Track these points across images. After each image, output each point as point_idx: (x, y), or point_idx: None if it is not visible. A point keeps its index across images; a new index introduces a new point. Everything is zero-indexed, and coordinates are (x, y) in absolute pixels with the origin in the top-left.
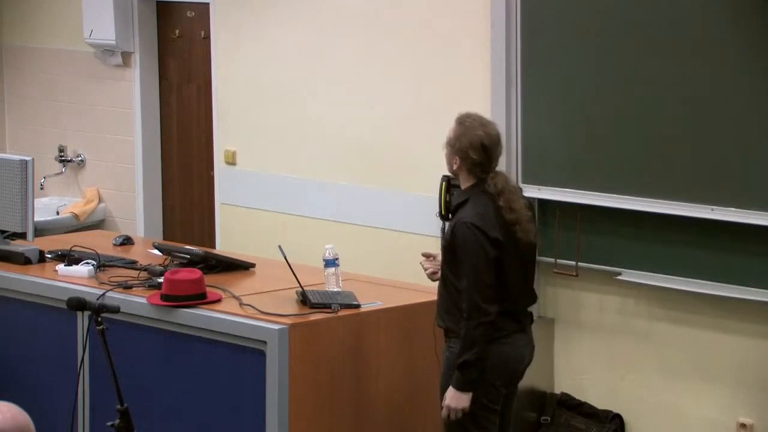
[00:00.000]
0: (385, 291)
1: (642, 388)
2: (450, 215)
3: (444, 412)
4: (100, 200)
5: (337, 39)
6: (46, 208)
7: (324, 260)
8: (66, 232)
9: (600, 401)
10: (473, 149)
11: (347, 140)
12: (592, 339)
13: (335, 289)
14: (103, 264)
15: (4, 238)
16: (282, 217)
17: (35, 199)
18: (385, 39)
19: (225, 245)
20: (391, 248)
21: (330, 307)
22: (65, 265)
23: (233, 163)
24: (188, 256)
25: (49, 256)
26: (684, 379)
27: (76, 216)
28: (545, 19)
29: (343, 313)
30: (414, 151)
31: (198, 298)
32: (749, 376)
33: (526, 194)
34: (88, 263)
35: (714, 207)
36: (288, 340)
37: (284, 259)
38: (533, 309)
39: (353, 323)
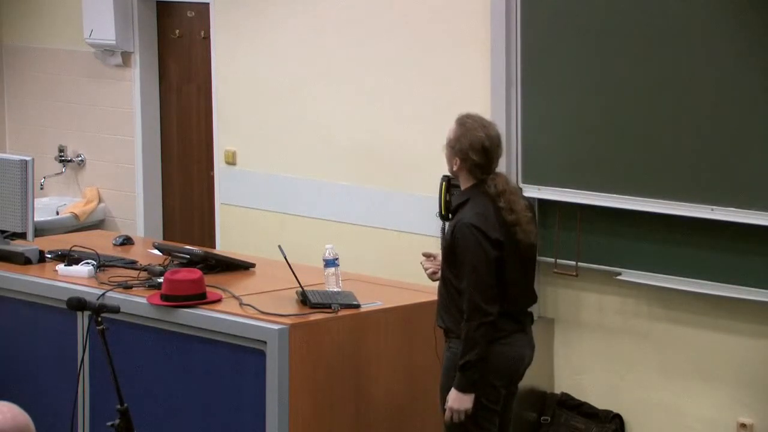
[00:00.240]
0: (385, 291)
1: (642, 388)
2: (450, 215)
3: (447, 414)
4: (100, 200)
5: (337, 39)
6: (46, 208)
7: (324, 260)
8: (66, 232)
9: (600, 401)
10: (473, 150)
11: (347, 140)
12: (592, 339)
13: (335, 289)
14: (103, 264)
15: (4, 238)
16: (282, 217)
17: (35, 199)
18: (385, 39)
19: (225, 245)
20: (391, 248)
21: (330, 307)
22: (65, 265)
23: (233, 163)
24: (188, 256)
25: (49, 256)
26: (684, 379)
27: (76, 216)
28: (545, 19)
29: (343, 313)
30: (414, 151)
31: (198, 298)
32: (749, 376)
33: (526, 194)
34: (88, 263)
35: (714, 207)
36: (288, 340)
37: (284, 259)
38: (533, 309)
39: (353, 323)
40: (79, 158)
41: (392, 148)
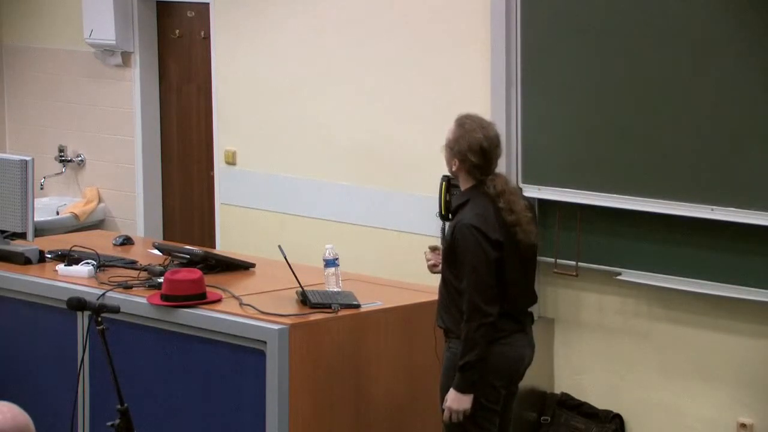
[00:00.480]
0: (385, 291)
1: (642, 388)
2: (450, 216)
3: (446, 414)
4: (100, 200)
5: (337, 39)
6: (46, 208)
7: (324, 260)
8: (66, 232)
9: (600, 401)
10: (472, 152)
11: (347, 140)
12: (592, 339)
13: (335, 289)
14: (103, 264)
15: (4, 238)
16: (282, 217)
17: (35, 199)
18: (385, 39)
19: (225, 245)
20: (391, 248)
21: (330, 307)
22: (65, 265)
23: (233, 163)
24: (188, 256)
25: (49, 256)
26: (684, 379)
27: (76, 216)
28: (545, 19)
29: (343, 313)
30: (414, 151)
31: (198, 298)
32: (749, 376)
33: (526, 194)
34: (88, 263)
35: (714, 207)
36: (288, 340)
37: (284, 259)
38: (533, 309)
39: (353, 323)
40: (79, 158)
41: (392, 148)
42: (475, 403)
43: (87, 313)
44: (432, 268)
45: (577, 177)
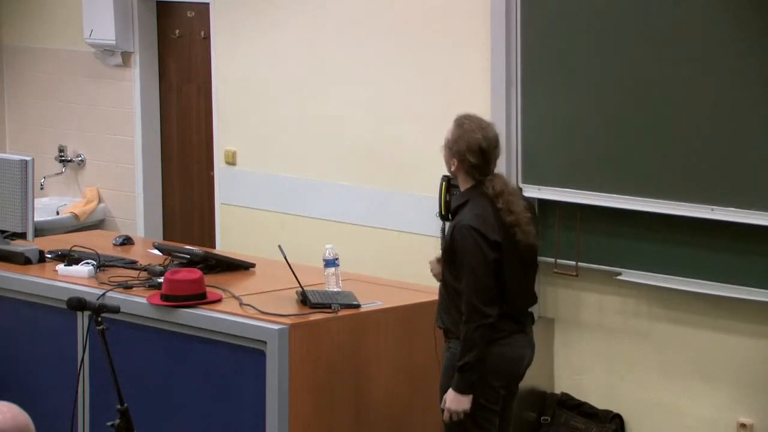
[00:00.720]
0: (385, 291)
1: (642, 388)
2: (450, 216)
3: (445, 414)
4: (100, 200)
5: (337, 39)
6: (46, 208)
7: (324, 260)
8: (66, 232)
9: (600, 401)
10: (471, 152)
11: (347, 140)
12: (592, 339)
13: (335, 289)
14: (103, 264)
15: (4, 238)
16: (282, 217)
17: (35, 199)
18: (385, 39)
19: (225, 245)
20: (391, 248)
21: (330, 307)
22: (65, 265)
23: (233, 163)
24: (188, 256)
25: (49, 256)
26: (684, 379)
27: (76, 216)
28: (545, 19)
29: (343, 313)
30: (414, 151)
31: (198, 298)
32: (749, 376)
33: (526, 194)
34: (88, 263)
35: (714, 207)
36: (288, 340)
37: (284, 259)
38: (533, 309)
39: (353, 323)
40: (79, 158)
41: (392, 148)
42: (475, 403)
43: (87, 313)
44: (437, 276)
45: (577, 177)
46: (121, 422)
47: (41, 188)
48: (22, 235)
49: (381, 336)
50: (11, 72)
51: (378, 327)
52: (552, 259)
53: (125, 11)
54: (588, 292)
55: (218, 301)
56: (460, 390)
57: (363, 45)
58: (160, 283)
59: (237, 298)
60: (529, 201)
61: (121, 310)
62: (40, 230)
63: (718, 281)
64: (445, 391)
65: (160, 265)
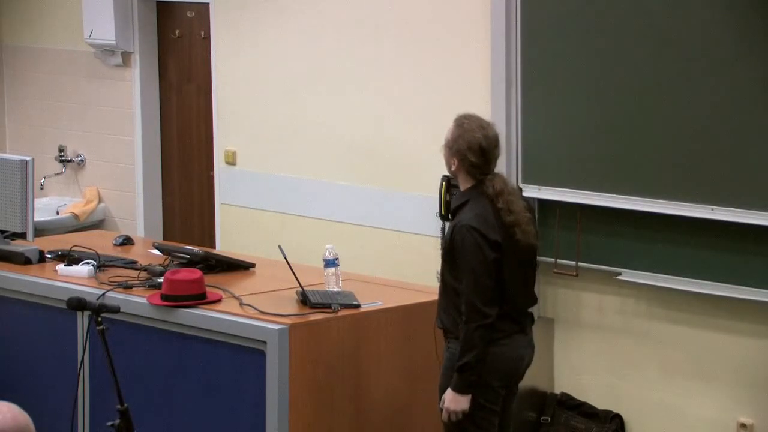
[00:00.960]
0: (385, 291)
1: (642, 388)
2: (450, 216)
3: (444, 414)
4: (100, 200)
5: (337, 39)
6: (46, 208)
7: (324, 260)
8: (66, 232)
9: (600, 401)
10: (471, 152)
11: (347, 140)
12: (592, 339)
13: (335, 289)
14: (103, 264)
15: (4, 238)
16: (282, 217)
17: (35, 199)
18: (385, 39)
19: (225, 245)
20: (391, 248)
21: (330, 307)
22: (65, 265)
23: (233, 163)
24: (188, 256)
25: (49, 256)
26: (684, 379)
27: (76, 216)
28: (545, 19)
29: (343, 313)
30: (414, 151)
31: (198, 298)
32: (749, 376)
33: (525, 194)
34: (88, 263)
35: (714, 207)
36: (288, 340)
37: (284, 259)
38: (533, 310)
39: (353, 323)
40: (79, 158)
41: (392, 148)
42: (475, 403)
43: (87, 313)
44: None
45: (577, 177)
46: (121, 422)
47: (41, 188)
48: (22, 235)
49: (381, 336)
50: (11, 72)
51: (378, 327)
52: (552, 259)
53: (125, 11)
54: (588, 292)
55: (218, 301)
56: (459, 390)
57: (363, 45)
58: (160, 283)
59: (237, 298)
60: (528, 201)
61: (121, 310)
62: (40, 230)
63: (718, 281)
64: (444, 391)
65: (160, 265)
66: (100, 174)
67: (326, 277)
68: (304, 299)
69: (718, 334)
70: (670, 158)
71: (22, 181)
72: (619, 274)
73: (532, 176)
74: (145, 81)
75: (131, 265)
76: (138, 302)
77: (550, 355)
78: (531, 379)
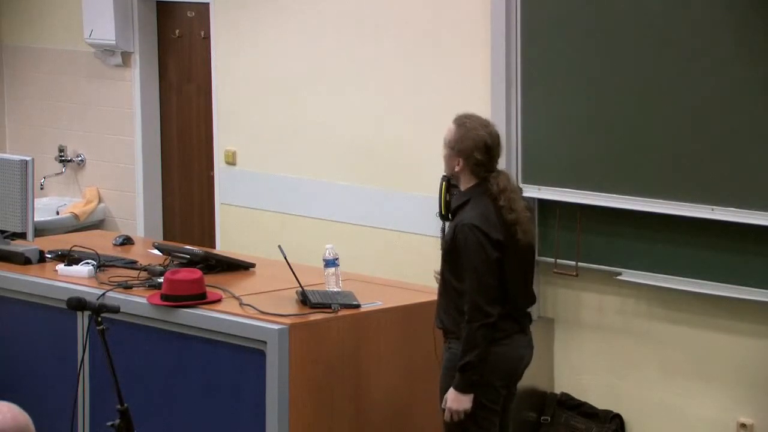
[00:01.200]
0: (385, 291)
1: (642, 388)
2: (450, 216)
3: (446, 414)
4: (100, 200)
5: (337, 39)
6: (46, 208)
7: (324, 260)
8: (66, 232)
9: (600, 401)
10: (477, 150)
11: (347, 140)
12: (592, 339)
13: (335, 289)
14: (103, 264)
15: (4, 238)
16: (282, 217)
17: (35, 199)
18: (386, 39)
19: (225, 245)
20: (391, 248)
21: (330, 307)
22: (65, 265)
23: (233, 163)
24: (188, 256)
25: (49, 256)
26: (684, 379)
27: (76, 216)
28: (545, 19)
29: (343, 313)
30: (414, 151)
31: (198, 298)
32: (749, 376)
33: (525, 194)
34: (88, 263)
35: (714, 207)
36: (288, 340)
37: (284, 259)
38: (533, 309)
39: (353, 323)
40: (79, 158)
41: (392, 148)
42: (476, 403)
43: (87, 313)
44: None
45: (577, 177)
46: (121, 422)
47: (41, 188)
48: (22, 235)
49: (381, 336)
50: (11, 72)
51: (378, 327)
52: (552, 259)
53: (125, 11)
54: (588, 292)
55: (218, 301)
56: (461, 389)
57: (363, 45)
58: (160, 283)
59: (237, 298)
60: (528, 201)
61: (121, 310)
62: (40, 230)
63: (718, 281)
64: (446, 392)
65: (160, 265)
66: (100, 174)
67: (326, 277)
68: (304, 299)
69: (718, 334)
70: (670, 158)
71: (22, 181)
72: (619, 274)
73: (532, 176)
74: (145, 81)
75: (131, 265)
76: (138, 302)
77: (550, 355)
78: (531, 379)
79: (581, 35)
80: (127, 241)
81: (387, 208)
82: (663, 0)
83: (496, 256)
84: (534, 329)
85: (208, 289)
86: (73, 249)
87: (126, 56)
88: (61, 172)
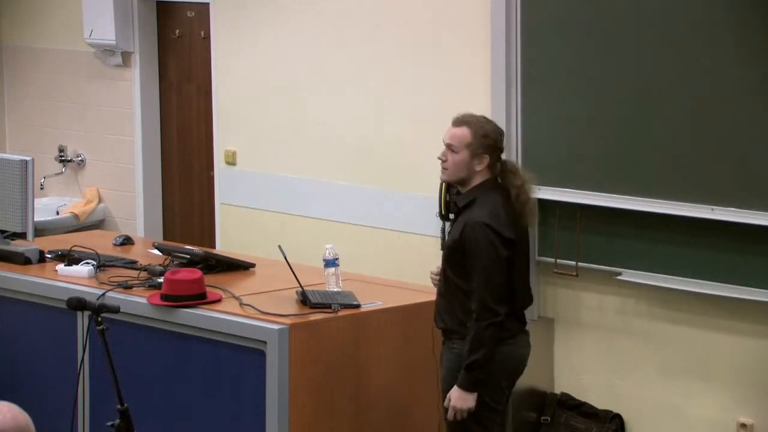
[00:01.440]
0: (385, 291)
1: (642, 388)
2: (450, 216)
3: (450, 413)
4: (100, 200)
5: (337, 39)
6: (46, 208)
7: (324, 260)
8: (66, 232)
9: (600, 401)
10: (501, 140)
11: (347, 140)
12: (592, 339)
13: (335, 289)
14: (103, 264)
15: (4, 238)
16: (282, 217)
17: (35, 199)
18: (386, 39)
19: (225, 245)
20: (391, 248)
21: (330, 307)
22: (65, 265)
23: (233, 163)
24: (188, 256)
25: (49, 256)
26: (684, 379)
27: (76, 216)
28: (545, 19)
29: (343, 313)
30: (414, 151)
31: (198, 298)
32: (749, 376)
33: None
34: (88, 263)
35: (714, 207)
36: (288, 340)
37: (284, 259)
38: (531, 309)
39: (353, 323)
40: (79, 158)
41: (392, 148)
42: (480, 402)
43: (87, 313)
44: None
45: (577, 177)
46: (121, 422)
47: (41, 188)
48: (22, 235)
49: (381, 336)
50: (11, 72)
51: (378, 327)
52: (552, 259)
53: (125, 11)
54: (588, 292)
55: (218, 301)
56: (466, 388)
57: (363, 45)
58: (160, 283)
59: (237, 298)
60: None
61: (121, 310)
62: (40, 230)
63: (718, 281)
64: (447, 392)
65: (160, 265)
66: (100, 174)
67: (326, 277)
68: (304, 299)
69: (718, 334)
70: (670, 158)
71: (22, 181)
72: (619, 274)
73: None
74: (145, 81)
75: (131, 265)
76: (138, 302)
77: (550, 355)
78: (531, 379)
79: (581, 35)
80: (127, 241)
81: (387, 208)
82: (663, 0)
83: (506, 254)
84: (534, 329)
85: (208, 289)
86: (73, 249)
87: (126, 56)
88: (61, 172)
